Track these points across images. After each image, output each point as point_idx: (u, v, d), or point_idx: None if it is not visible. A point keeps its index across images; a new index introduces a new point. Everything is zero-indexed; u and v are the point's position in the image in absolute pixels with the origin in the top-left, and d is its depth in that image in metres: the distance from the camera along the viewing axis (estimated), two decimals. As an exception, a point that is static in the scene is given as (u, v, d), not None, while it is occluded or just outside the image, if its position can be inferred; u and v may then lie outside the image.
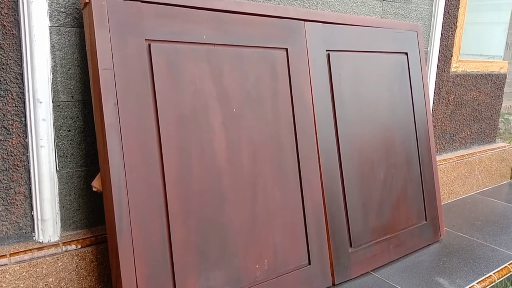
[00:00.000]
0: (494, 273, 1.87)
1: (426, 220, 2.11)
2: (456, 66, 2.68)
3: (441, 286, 1.75)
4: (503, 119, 5.16)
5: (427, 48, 2.49)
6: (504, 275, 1.90)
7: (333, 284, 1.71)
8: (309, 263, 1.64)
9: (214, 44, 1.44)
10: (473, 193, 2.94)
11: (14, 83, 1.32)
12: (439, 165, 2.60)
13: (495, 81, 3.00)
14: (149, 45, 1.31)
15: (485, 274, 1.86)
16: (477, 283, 1.79)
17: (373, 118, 1.91)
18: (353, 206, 1.80)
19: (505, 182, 3.22)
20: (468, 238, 2.22)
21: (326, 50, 1.75)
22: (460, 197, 2.84)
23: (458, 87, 2.74)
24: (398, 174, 1.99)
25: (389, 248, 1.92)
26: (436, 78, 2.57)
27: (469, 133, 2.93)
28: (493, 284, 1.84)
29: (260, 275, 1.51)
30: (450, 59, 2.63)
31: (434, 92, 2.59)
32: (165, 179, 1.32)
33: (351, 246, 1.78)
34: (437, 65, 2.55)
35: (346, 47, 1.82)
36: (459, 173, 2.79)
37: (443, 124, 2.72)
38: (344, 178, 1.78)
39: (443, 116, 2.71)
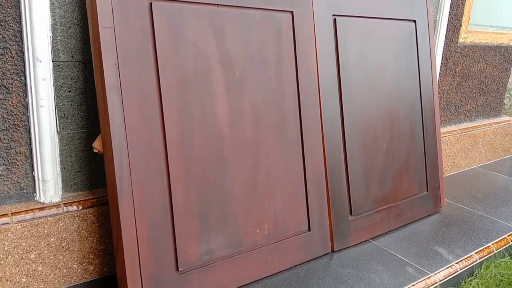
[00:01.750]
0: (492, 244, 1.88)
1: (427, 191, 2.11)
2: (465, 37, 2.62)
3: (439, 255, 1.76)
4: (508, 95, 5.09)
5: (435, 17, 2.42)
6: (503, 246, 1.91)
7: (332, 251, 1.73)
8: (309, 230, 1.65)
9: (217, 5, 1.40)
10: (475, 166, 2.93)
11: (13, 41, 1.29)
12: (442, 137, 2.58)
13: (503, 54, 2.94)
14: (151, 3, 1.27)
15: (484, 245, 1.87)
16: (475, 253, 1.81)
17: (378, 87, 1.88)
18: (355, 175, 1.80)
19: (508, 156, 3.20)
20: (469, 209, 2.22)
21: (333, 15, 1.70)
22: (463, 170, 2.83)
23: (466, 59, 2.69)
24: (401, 144, 1.98)
25: (389, 217, 1.92)
26: (443, 48, 2.51)
27: (474, 105, 2.89)
28: (491, 254, 1.86)
29: (260, 239, 1.52)
30: (459, 29, 2.57)
31: (441, 63, 2.54)
32: (166, 142, 1.31)
33: (351, 214, 1.79)
34: (446, 35, 2.49)
35: (353, 12, 1.78)
36: (463, 145, 2.77)
37: (449, 95, 2.69)
38: (347, 147, 1.76)
39: (449, 87, 2.67)
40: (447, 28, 2.49)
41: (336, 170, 1.73)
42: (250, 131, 1.48)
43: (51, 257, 1.41)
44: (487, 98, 2.97)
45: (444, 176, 2.27)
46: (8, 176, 1.37)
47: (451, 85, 2.67)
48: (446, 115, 2.72)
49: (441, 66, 2.55)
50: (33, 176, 1.41)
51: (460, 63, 2.67)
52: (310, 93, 1.63)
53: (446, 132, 2.66)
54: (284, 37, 1.56)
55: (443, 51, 2.52)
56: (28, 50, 1.30)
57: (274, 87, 1.54)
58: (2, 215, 1.33)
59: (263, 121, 1.51)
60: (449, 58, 2.59)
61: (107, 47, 1.21)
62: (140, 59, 1.26)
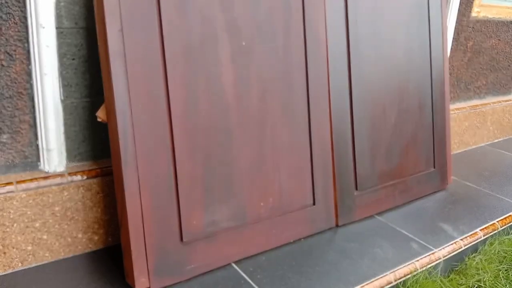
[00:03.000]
0: (497, 221, 1.87)
1: (434, 168, 2.09)
2: (478, 11, 2.55)
3: (444, 232, 1.76)
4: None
5: (449, -10, 2.35)
6: (508, 224, 1.90)
7: (337, 225, 1.72)
8: (314, 204, 1.64)
9: (224, -29, 1.35)
10: (483, 144, 2.90)
11: (16, 6, 1.26)
12: (451, 114, 2.54)
13: (517, 29, 2.86)
14: (156, -32, 1.23)
15: (488, 222, 1.86)
16: (480, 230, 1.80)
17: (388, 59, 1.83)
18: (361, 150, 1.77)
19: (516, 135, 3.16)
20: (475, 187, 2.21)
21: (343, -16, 1.65)
22: (470, 148, 2.80)
23: (478, 34, 2.62)
24: (409, 119, 1.95)
25: (394, 193, 1.91)
26: (456, 22, 2.45)
27: (484, 82, 2.84)
28: (496, 231, 1.85)
29: (264, 212, 1.52)
30: (472, 2, 2.49)
31: (453, 38, 2.48)
32: (171, 111, 1.29)
33: (356, 189, 1.78)
34: (458, 9, 2.42)
35: (364, -19, 1.72)
36: (471, 123, 2.73)
37: (459, 71, 2.63)
38: (354, 120, 1.74)
39: (460, 63, 2.61)
40: (460, 2, 2.41)
41: (342, 144, 1.71)
42: (256, 102, 1.46)
43: (56, 226, 1.42)
44: (497, 75, 2.91)
45: (451, 153, 2.24)
46: (12, 144, 1.36)
47: (462, 60, 2.62)
48: (456, 92, 2.68)
49: (452, 41, 2.49)
50: (37, 145, 1.40)
51: (471, 38, 2.60)
52: (318, 64, 1.60)
53: (455, 109, 2.62)
54: (293, 5, 1.51)
55: (455, 26, 2.46)
56: (31, 16, 1.27)
57: (281, 57, 1.50)
58: (7, 183, 1.33)
59: (269, 92, 1.49)
60: (461, 33, 2.53)
61: (111, 13, 1.17)
62: (144, 26, 1.22)
